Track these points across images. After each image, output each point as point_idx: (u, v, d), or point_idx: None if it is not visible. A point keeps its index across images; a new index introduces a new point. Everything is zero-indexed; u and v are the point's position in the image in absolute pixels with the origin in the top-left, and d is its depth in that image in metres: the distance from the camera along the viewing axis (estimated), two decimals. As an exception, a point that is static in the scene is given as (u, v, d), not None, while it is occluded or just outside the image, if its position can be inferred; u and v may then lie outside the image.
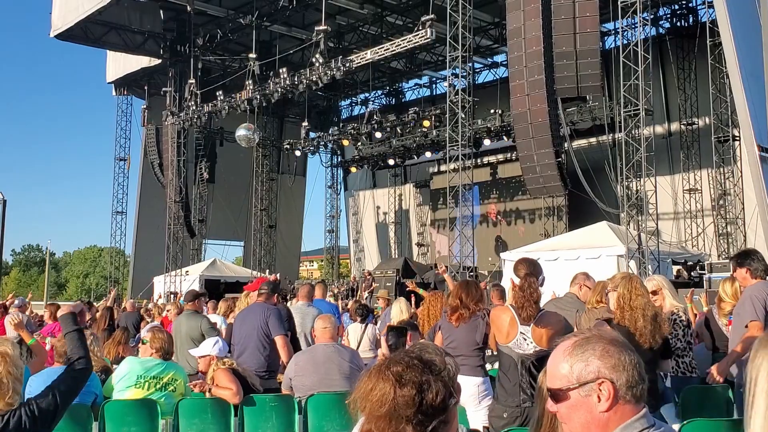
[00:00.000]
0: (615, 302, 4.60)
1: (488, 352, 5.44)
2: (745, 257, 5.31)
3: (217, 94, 25.82)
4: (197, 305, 8.04)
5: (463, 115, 19.37)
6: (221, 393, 5.05)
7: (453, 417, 1.73)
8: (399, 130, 27.90)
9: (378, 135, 28.12)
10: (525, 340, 4.22)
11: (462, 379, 2.46)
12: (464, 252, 19.52)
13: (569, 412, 1.74)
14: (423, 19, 19.59)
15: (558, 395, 1.75)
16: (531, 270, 4.28)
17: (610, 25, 23.79)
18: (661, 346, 4.44)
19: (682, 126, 24.09)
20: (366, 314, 8.69)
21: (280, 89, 23.44)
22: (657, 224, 17.91)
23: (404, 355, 1.74)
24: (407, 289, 13.05)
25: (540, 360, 4.17)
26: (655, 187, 17.16)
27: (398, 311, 7.81)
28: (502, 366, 4.40)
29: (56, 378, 3.13)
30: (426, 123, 26.10)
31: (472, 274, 18.60)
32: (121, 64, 31.39)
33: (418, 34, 19.79)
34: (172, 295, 25.71)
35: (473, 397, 4.95)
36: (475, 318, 5.02)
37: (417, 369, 1.68)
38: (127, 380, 5.10)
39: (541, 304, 4.56)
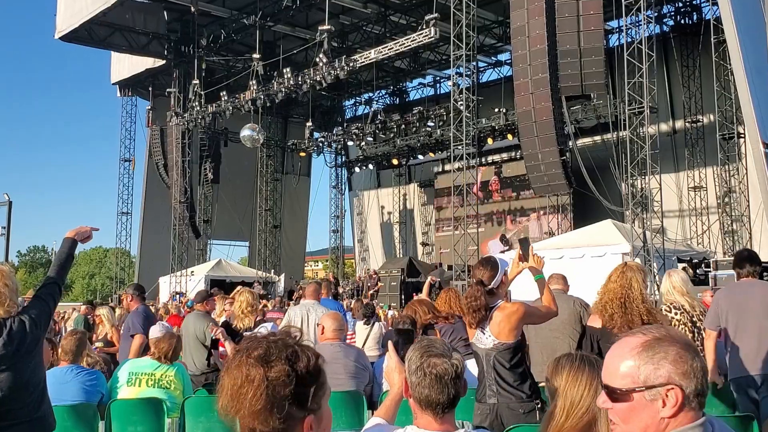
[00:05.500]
0: None
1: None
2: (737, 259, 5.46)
3: (221, 94, 25.85)
4: (207, 306, 8.03)
5: (468, 114, 19.35)
6: None
7: (326, 379, 1.63)
8: (403, 130, 27.87)
9: (382, 135, 28.11)
10: (483, 334, 4.02)
11: None
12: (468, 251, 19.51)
13: (629, 414, 1.65)
14: (427, 18, 19.57)
15: (618, 395, 1.66)
16: (483, 274, 4.04)
17: (614, 23, 23.72)
18: None
19: (687, 123, 24.00)
20: (371, 314, 8.72)
21: (283, 89, 23.45)
22: (662, 222, 17.88)
23: (255, 339, 1.59)
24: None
25: (503, 353, 3.94)
26: (660, 184, 17.13)
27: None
28: (477, 364, 4.21)
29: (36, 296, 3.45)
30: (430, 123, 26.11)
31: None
32: (125, 65, 31.47)
33: (421, 34, 19.77)
34: (178, 295, 25.78)
35: None
36: None
37: (277, 344, 1.55)
38: (121, 380, 5.18)
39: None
